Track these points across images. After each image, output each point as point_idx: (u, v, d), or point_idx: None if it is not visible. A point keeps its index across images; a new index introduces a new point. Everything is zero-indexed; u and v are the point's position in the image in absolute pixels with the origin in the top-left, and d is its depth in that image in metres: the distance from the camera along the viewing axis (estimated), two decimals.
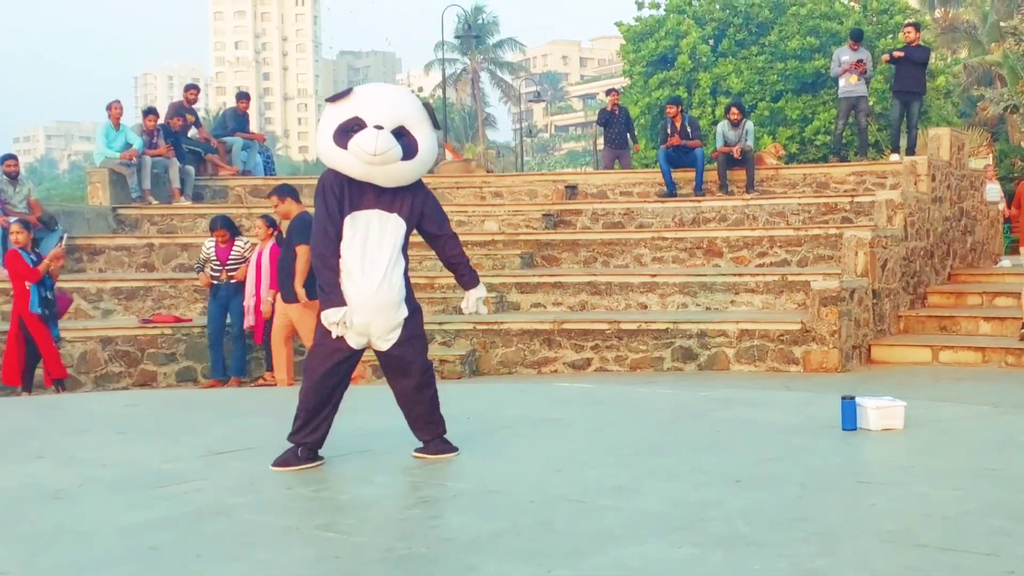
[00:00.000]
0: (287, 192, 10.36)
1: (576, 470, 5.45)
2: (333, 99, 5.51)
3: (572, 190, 16.55)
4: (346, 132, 5.33)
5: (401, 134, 5.39)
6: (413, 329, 5.64)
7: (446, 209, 15.48)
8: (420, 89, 73.51)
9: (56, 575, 3.94)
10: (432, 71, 70.31)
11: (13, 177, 13.72)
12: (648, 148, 25.74)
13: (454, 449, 5.80)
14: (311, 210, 6.15)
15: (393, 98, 5.56)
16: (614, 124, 18.53)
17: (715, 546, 4.06)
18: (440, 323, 11.75)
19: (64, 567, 4.02)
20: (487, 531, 4.36)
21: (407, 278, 5.63)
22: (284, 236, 10.58)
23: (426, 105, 5.71)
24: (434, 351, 11.08)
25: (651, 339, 11.38)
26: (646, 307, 12.47)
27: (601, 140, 21.87)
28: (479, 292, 5.91)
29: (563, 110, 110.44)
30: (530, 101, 68.58)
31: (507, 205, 15.82)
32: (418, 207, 5.60)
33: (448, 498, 5.00)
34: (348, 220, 5.45)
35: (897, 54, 15.23)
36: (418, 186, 5.63)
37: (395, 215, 5.50)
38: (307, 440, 5.58)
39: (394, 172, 5.42)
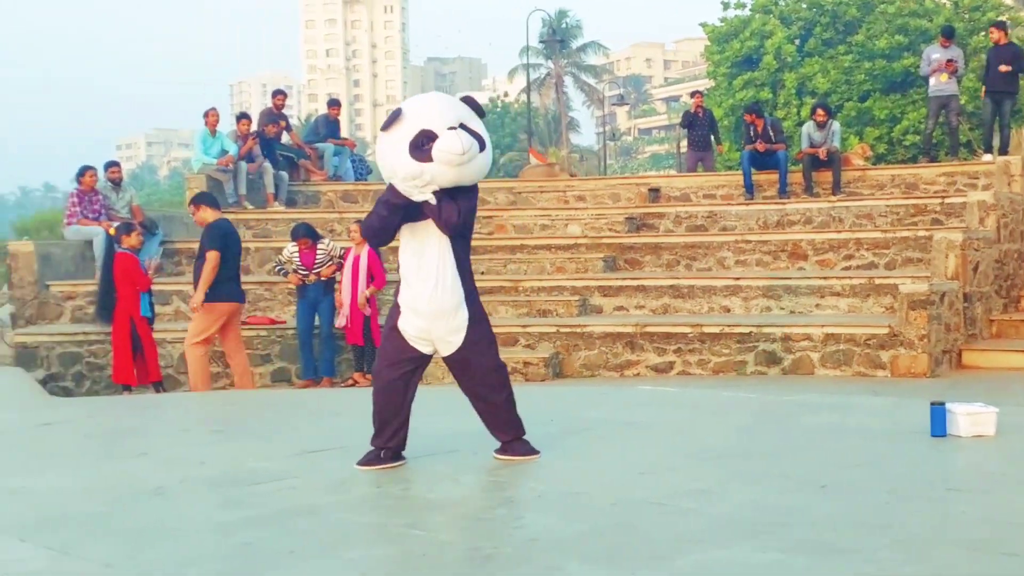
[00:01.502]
0: (202, 200, 10.51)
1: (658, 473, 5.43)
2: (386, 127, 5.43)
3: (655, 193, 16.47)
4: (420, 147, 5.29)
5: (466, 131, 5.42)
6: (477, 333, 5.62)
7: (530, 213, 15.64)
8: (505, 94, 73.70)
9: (157, 569, 4.02)
10: (516, 76, 70.40)
11: (117, 183, 14.05)
12: (732, 150, 25.46)
13: (535, 452, 5.80)
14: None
15: (444, 102, 5.59)
16: (698, 126, 18.41)
17: (799, 552, 4.01)
18: (524, 326, 11.78)
19: (164, 561, 4.11)
20: (570, 532, 4.37)
21: (469, 281, 5.64)
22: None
23: (466, 99, 5.72)
24: (517, 353, 11.13)
25: (734, 343, 11.27)
26: (729, 310, 12.36)
27: (684, 143, 21.75)
28: None
29: (646, 113, 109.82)
30: (613, 104, 68.40)
31: (590, 209, 15.80)
32: (464, 207, 5.58)
33: (532, 499, 5.02)
34: (406, 229, 5.50)
35: (1004, 69, 14.77)
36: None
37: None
38: (387, 445, 5.64)
39: (478, 166, 5.47)
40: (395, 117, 5.41)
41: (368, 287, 11.19)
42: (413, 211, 5.45)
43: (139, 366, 10.68)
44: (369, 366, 11.30)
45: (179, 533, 4.53)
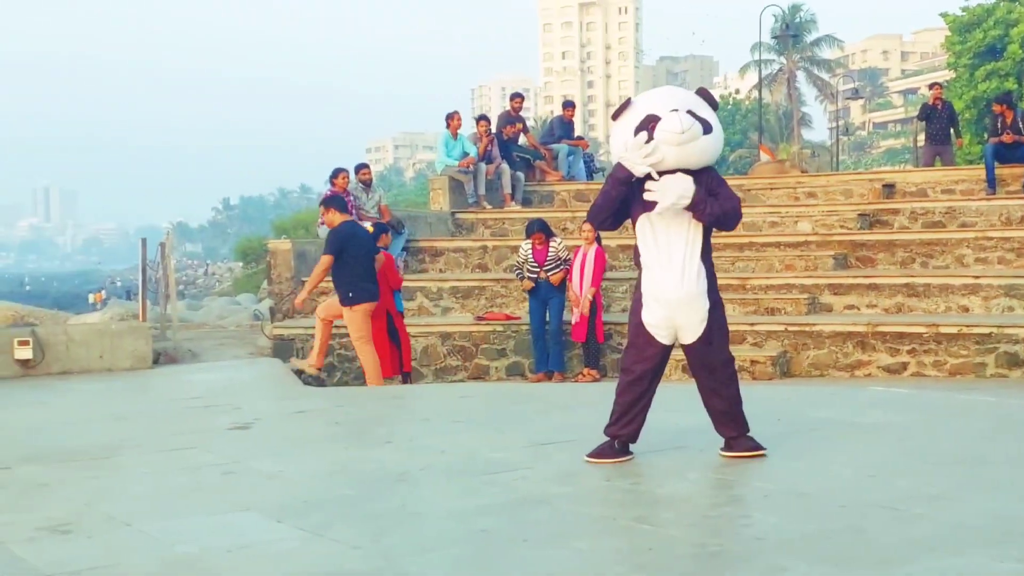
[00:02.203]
0: (331, 204, 10.60)
1: (889, 476, 5.25)
2: (616, 115, 5.63)
3: (890, 189, 15.84)
4: (644, 130, 5.42)
5: (692, 115, 5.46)
6: (717, 322, 5.63)
7: (759, 210, 15.33)
8: (736, 91, 72.41)
9: (399, 552, 4.19)
10: (748, 73, 69.07)
11: (367, 184, 14.61)
12: (972, 143, 24.23)
13: (761, 448, 5.72)
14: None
15: (672, 91, 5.80)
16: (936, 119, 17.60)
17: None
18: (751, 324, 11.56)
19: (406, 545, 4.28)
20: (797, 533, 4.29)
21: (710, 269, 5.62)
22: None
23: (700, 91, 5.78)
24: (745, 352, 10.94)
25: (973, 344, 10.71)
26: (968, 310, 11.75)
27: (922, 136, 20.83)
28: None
29: (882, 107, 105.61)
30: (847, 99, 66.18)
31: (821, 205, 15.33)
32: (704, 188, 5.55)
33: (759, 498, 4.94)
34: (643, 218, 5.54)
35: None
36: (707, 170, 5.62)
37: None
38: (621, 433, 5.69)
39: (702, 147, 5.48)
40: (625, 106, 5.62)
41: (589, 288, 11.22)
42: (645, 202, 5.49)
43: (393, 358, 10.95)
44: (594, 362, 11.37)
45: (420, 518, 4.70)
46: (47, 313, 18.18)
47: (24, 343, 10.44)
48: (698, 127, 5.44)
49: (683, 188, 5.43)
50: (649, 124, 5.41)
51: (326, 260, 10.19)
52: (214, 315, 24.77)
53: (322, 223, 11.74)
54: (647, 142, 5.39)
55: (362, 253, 10.29)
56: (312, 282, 10.38)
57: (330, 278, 10.57)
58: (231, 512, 4.91)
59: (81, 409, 8.57)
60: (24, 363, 10.44)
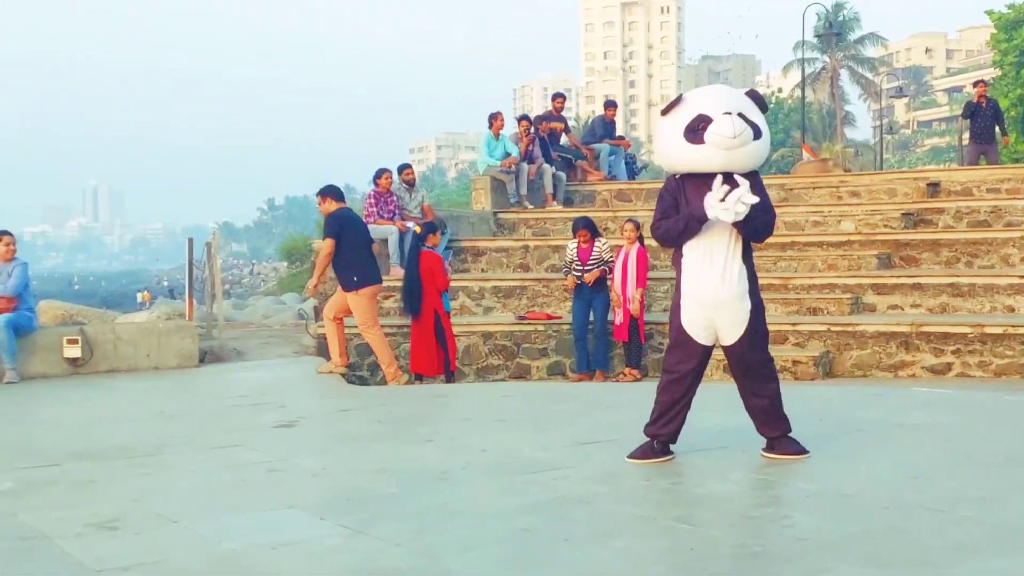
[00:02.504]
0: (328, 193, 10.60)
1: (933, 477, 5.19)
2: (666, 111, 5.59)
3: (934, 188, 15.65)
4: (695, 130, 5.40)
5: (743, 119, 5.43)
6: (757, 324, 5.60)
7: (801, 209, 15.21)
8: (779, 90, 71.89)
9: (441, 550, 4.21)
10: (791, 71, 68.56)
11: (410, 185, 14.66)
12: (1018, 142, 23.92)
13: (805, 451, 5.68)
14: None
15: (723, 91, 5.70)
16: (981, 117, 17.39)
17: None
18: (793, 324, 11.48)
19: (448, 543, 4.30)
20: (840, 534, 4.26)
21: (751, 270, 5.60)
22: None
23: (751, 92, 5.73)
24: (787, 352, 10.87)
25: (1019, 344, 10.56)
26: (1013, 310, 11.60)
27: (966, 135, 20.58)
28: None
29: (926, 105, 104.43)
30: (891, 97, 65.37)
31: (864, 205, 15.19)
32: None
33: (801, 499, 4.91)
34: None
35: None
36: (751, 174, 5.58)
37: (719, 180, 5.48)
38: (661, 432, 5.67)
39: (751, 152, 5.46)
40: (675, 103, 5.58)
41: (637, 289, 11.19)
42: (692, 197, 5.49)
43: (439, 358, 10.93)
44: (635, 362, 11.33)
45: (462, 516, 4.71)
46: (95, 312, 18.40)
47: (73, 342, 10.58)
48: (749, 132, 5.41)
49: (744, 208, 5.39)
50: (701, 124, 5.39)
51: (329, 244, 10.29)
52: (259, 314, 24.94)
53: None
54: (697, 141, 5.35)
55: (361, 239, 10.44)
56: (319, 268, 10.48)
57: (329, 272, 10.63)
58: (276, 509, 4.95)
59: (129, 407, 8.67)
60: (73, 361, 10.57)
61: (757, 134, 5.46)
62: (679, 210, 5.54)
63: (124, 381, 10.09)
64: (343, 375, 10.50)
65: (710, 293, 5.49)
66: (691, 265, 5.56)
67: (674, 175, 5.63)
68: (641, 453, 5.68)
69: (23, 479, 5.70)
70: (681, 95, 5.64)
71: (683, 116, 5.47)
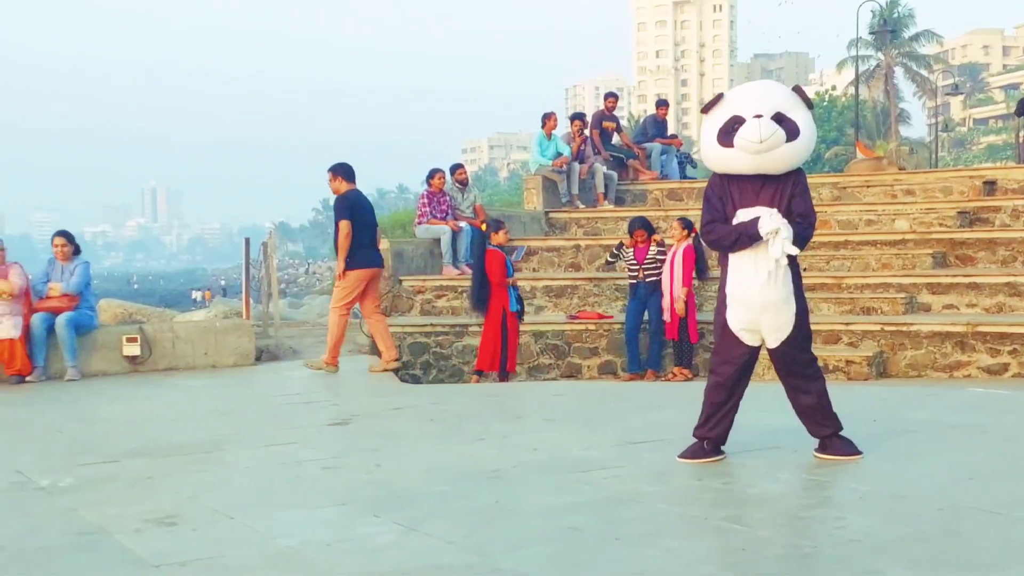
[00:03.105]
0: (339, 171, 10.44)
1: (988, 479, 5.11)
2: (706, 109, 5.56)
3: (990, 186, 15.41)
4: (728, 132, 5.37)
5: (780, 119, 5.35)
6: (801, 325, 5.55)
7: (855, 208, 15.06)
8: (833, 88, 71.10)
9: (491, 548, 4.22)
10: (844, 69, 67.81)
11: (463, 184, 14.71)
12: None
13: (857, 452, 5.61)
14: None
15: (762, 89, 5.61)
16: None
17: None
18: (847, 324, 11.35)
19: (498, 541, 4.31)
20: (892, 536, 4.21)
21: (796, 272, 5.55)
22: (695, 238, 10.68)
23: (796, 89, 5.62)
24: (840, 352, 10.76)
25: None
26: None
27: (1023, 133, 20.25)
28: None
29: (982, 102, 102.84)
30: (947, 94, 64.37)
31: (919, 203, 15.00)
32: (795, 204, 5.48)
33: (853, 500, 4.86)
34: (733, 221, 5.48)
35: None
36: (796, 172, 5.53)
37: (775, 209, 5.44)
38: (710, 435, 5.64)
39: (782, 156, 5.38)
40: (715, 101, 5.55)
41: (682, 287, 11.13)
42: (737, 198, 5.48)
43: (501, 356, 10.81)
44: (685, 361, 11.28)
45: (513, 515, 4.72)
46: (154, 311, 18.63)
47: (132, 340, 10.74)
48: (780, 135, 5.32)
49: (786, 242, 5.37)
50: (734, 126, 5.35)
51: (345, 225, 10.14)
52: (314, 313, 25.10)
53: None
54: (728, 144, 5.33)
55: (368, 221, 10.36)
56: (342, 251, 10.26)
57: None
58: (330, 506, 4.99)
59: (186, 404, 8.78)
60: (132, 359, 10.72)
61: (793, 135, 5.36)
62: (726, 212, 5.50)
63: (182, 379, 10.22)
64: (395, 372, 10.53)
65: (755, 295, 5.44)
66: (737, 266, 5.51)
67: (716, 173, 5.60)
68: (691, 453, 5.66)
69: (83, 475, 5.80)
70: (722, 93, 5.60)
71: (720, 116, 5.45)
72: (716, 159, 5.50)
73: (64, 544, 4.45)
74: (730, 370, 5.57)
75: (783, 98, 5.48)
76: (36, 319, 10.21)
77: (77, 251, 10.88)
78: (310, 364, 10.40)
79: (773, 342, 5.54)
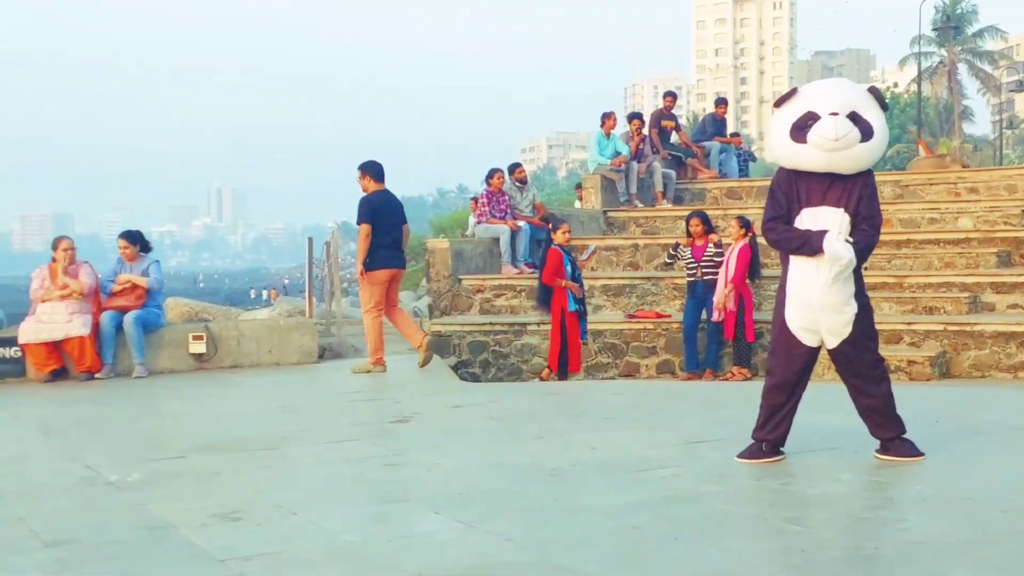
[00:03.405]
0: (368, 170, 10.37)
1: None
2: (779, 102, 5.48)
3: None
4: (801, 128, 5.29)
5: (855, 119, 5.28)
6: (863, 326, 5.46)
7: (917, 206, 14.86)
8: (895, 85, 70.13)
9: (551, 546, 4.22)
10: (906, 66, 66.83)
11: (523, 183, 14.73)
12: None
13: (919, 453, 5.52)
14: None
15: (839, 87, 5.51)
16: None
17: None
18: (909, 323, 11.19)
19: (558, 540, 4.31)
20: (956, 538, 4.14)
21: (858, 271, 5.47)
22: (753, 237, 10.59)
23: (871, 89, 5.53)
24: (902, 352, 10.61)
25: None
26: None
27: None
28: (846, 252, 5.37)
29: None
30: (1011, 91, 63.11)
31: (983, 201, 14.75)
32: (862, 206, 5.40)
33: (916, 501, 4.79)
34: (797, 219, 5.41)
35: None
36: (866, 174, 5.45)
37: (841, 210, 5.37)
38: (768, 437, 5.57)
39: (855, 155, 5.31)
40: (789, 95, 5.47)
41: (728, 285, 11.04)
42: (805, 196, 5.40)
43: (563, 355, 10.71)
44: (744, 360, 11.19)
45: (572, 513, 4.72)
46: (219, 309, 18.86)
47: (198, 338, 10.89)
48: (855, 135, 5.25)
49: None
50: (808, 122, 5.28)
51: (365, 229, 10.11)
52: None
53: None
54: (801, 140, 5.27)
55: (393, 222, 10.29)
56: (361, 253, 10.26)
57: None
58: (392, 502, 5.03)
59: (251, 401, 8.89)
60: (198, 357, 10.88)
61: (867, 136, 5.29)
62: (790, 209, 5.43)
63: (247, 376, 10.35)
64: (454, 369, 10.57)
65: (816, 295, 5.36)
66: (799, 266, 5.43)
67: (783, 168, 5.54)
68: (750, 453, 5.61)
69: (151, 470, 5.89)
70: (796, 88, 5.54)
71: (793, 111, 5.38)
72: (786, 154, 5.42)
73: (132, 538, 4.53)
74: (789, 371, 5.50)
75: (859, 97, 5.40)
76: (105, 317, 10.40)
77: (145, 248, 11.03)
78: (356, 369, 10.42)
79: (832, 343, 5.46)
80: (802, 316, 5.43)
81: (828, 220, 5.36)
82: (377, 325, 10.35)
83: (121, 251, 10.83)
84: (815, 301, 5.38)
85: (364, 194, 10.33)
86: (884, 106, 5.47)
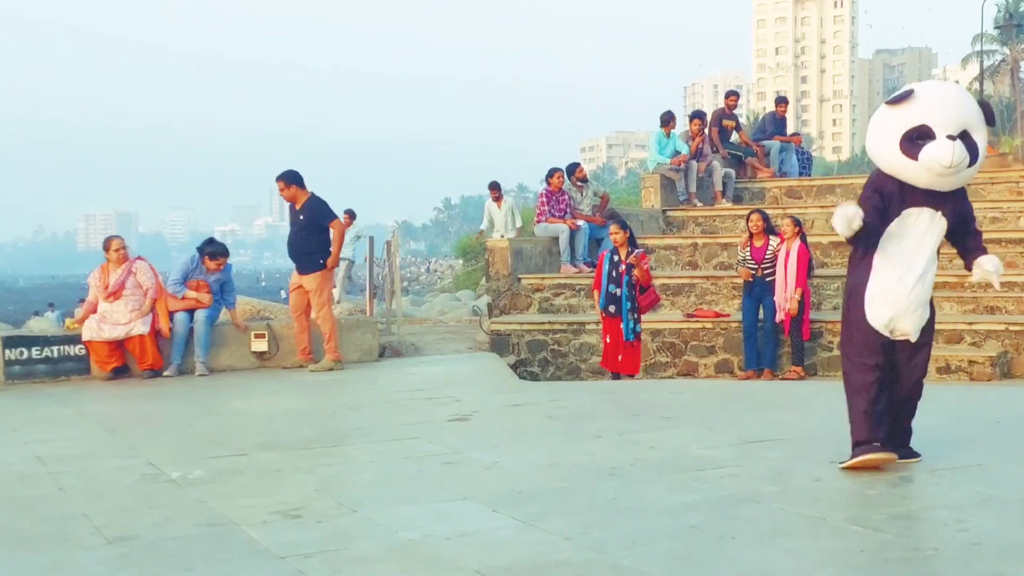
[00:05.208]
0: (291, 179, 10.55)
1: None
2: (893, 101, 5.21)
3: None
4: (913, 141, 5.07)
5: (965, 139, 5.10)
6: (928, 334, 5.40)
7: (979, 205, 14.63)
8: (956, 83, 68.97)
9: (609, 545, 4.22)
10: (969, 64, 65.70)
11: (583, 182, 14.71)
12: None
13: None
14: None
15: (958, 102, 5.19)
16: None
17: None
18: (970, 323, 10.99)
19: (616, 538, 4.30)
20: (1016, 539, 4.08)
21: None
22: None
23: (982, 104, 5.32)
24: (963, 352, 10.44)
25: None
26: None
27: None
28: (993, 261, 5.39)
29: None
30: None
31: None
32: (959, 206, 5.33)
33: (976, 502, 4.71)
34: (897, 219, 5.26)
35: None
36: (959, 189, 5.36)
37: (940, 213, 5.26)
38: (864, 440, 5.32)
39: (960, 179, 5.20)
40: (906, 96, 5.20)
41: (796, 288, 10.92)
42: (906, 196, 5.22)
43: (616, 355, 10.60)
44: (799, 360, 11.07)
45: (630, 512, 4.71)
46: (281, 308, 19.01)
47: (260, 336, 10.98)
48: (967, 162, 5.09)
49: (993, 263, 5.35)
50: (922, 137, 5.05)
51: (340, 223, 10.67)
52: (436, 311, 25.40)
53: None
54: (912, 155, 5.11)
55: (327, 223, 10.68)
56: (336, 246, 10.60)
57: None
58: (451, 500, 5.05)
59: (312, 399, 8.96)
60: (260, 355, 10.97)
61: (974, 160, 5.11)
62: (889, 208, 5.21)
63: (308, 375, 10.43)
64: (512, 368, 10.56)
65: (901, 296, 5.24)
66: (889, 264, 5.27)
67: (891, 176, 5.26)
68: (861, 452, 5.31)
69: (213, 467, 5.96)
70: (912, 89, 5.23)
71: (907, 118, 5.12)
72: (892, 162, 5.19)
73: (194, 535, 4.59)
74: (867, 367, 5.29)
75: (971, 114, 5.18)
76: (178, 317, 10.49)
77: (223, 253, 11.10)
78: (315, 368, 10.57)
79: (904, 341, 5.36)
80: (881, 314, 5.27)
81: (924, 221, 5.25)
82: (334, 319, 10.76)
83: (206, 263, 10.86)
84: (902, 302, 5.24)
85: (312, 195, 10.64)
86: (992, 122, 5.29)
